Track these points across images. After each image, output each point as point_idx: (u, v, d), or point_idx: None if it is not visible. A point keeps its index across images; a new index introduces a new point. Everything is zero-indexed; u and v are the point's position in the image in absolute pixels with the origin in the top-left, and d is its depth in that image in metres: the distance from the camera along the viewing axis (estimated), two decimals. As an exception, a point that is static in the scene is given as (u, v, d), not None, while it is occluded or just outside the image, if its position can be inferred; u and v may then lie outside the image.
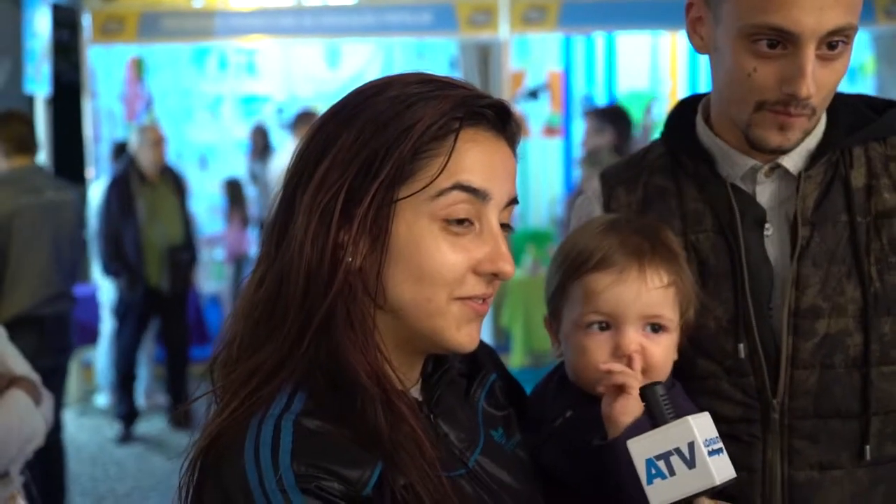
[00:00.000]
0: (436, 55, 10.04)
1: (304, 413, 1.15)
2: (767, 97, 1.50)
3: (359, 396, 1.15)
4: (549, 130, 10.23)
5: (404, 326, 1.22)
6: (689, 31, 1.62)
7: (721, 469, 1.19)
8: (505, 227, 1.25)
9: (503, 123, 1.25)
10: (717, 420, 1.44)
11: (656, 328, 1.51)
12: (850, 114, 1.64)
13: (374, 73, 10.02)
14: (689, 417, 1.20)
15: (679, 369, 1.60)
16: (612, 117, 6.29)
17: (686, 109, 1.73)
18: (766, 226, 1.62)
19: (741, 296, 1.59)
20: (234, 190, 9.21)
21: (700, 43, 1.61)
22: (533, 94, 9.97)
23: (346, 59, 10.31)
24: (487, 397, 1.40)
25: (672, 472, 1.19)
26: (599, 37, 10.07)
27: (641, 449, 1.22)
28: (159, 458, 6.49)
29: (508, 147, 1.26)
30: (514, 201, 1.26)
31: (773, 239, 1.62)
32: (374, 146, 1.17)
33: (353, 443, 1.14)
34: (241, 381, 1.19)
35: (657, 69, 10.54)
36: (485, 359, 1.45)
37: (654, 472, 1.20)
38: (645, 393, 1.27)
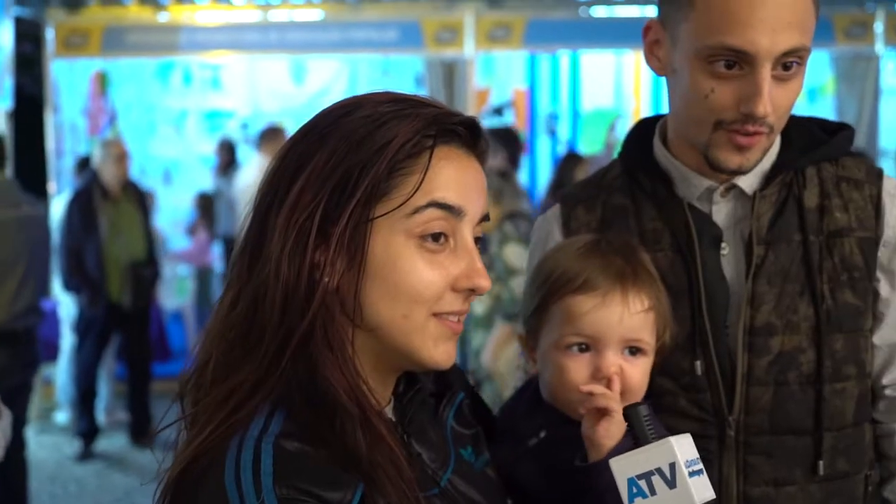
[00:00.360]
0: (401, 72, 10.07)
1: (283, 435, 1.15)
2: (725, 117, 1.53)
3: (338, 416, 1.15)
4: (514, 147, 10.28)
5: (381, 344, 1.22)
6: (647, 53, 1.65)
7: (701, 490, 1.21)
8: (476, 240, 1.26)
9: (474, 141, 1.26)
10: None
11: (634, 351, 1.52)
12: (803, 135, 1.67)
13: (339, 89, 10.06)
14: (671, 438, 1.22)
15: (636, 386, 1.62)
16: (505, 139, 6.04)
17: (644, 130, 1.76)
18: (723, 245, 1.64)
19: (698, 314, 1.62)
20: (205, 204, 9.17)
21: (658, 65, 1.64)
22: (498, 112, 10.02)
23: (311, 75, 10.32)
24: (456, 416, 1.41)
25: (653, 492, 1.21)
26: (564, 55, 10.15)
27: (623, 468, 1.23)
28: (120, 476, 6.43)
29: (479, 164, 1.28)
30: (485, 217, 1.27)
31: (728, 258, 1.64)
32: (348, 165, 1.17)
33: (333, 464, 1.14)
34: (217, 403, 1.18)
35: (621, 87, 10.64)
36: (452, 377, 1.46)
37: (635, 490, 1.22)
38: (628, 413, 1.28)
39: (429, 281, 1.20)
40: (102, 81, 9.39)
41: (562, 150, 10.02)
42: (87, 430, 6.85)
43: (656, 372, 1.62)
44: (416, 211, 1.18)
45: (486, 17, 8.52)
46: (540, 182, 10.00)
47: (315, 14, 8.64)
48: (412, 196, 1.18)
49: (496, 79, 10.21)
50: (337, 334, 1.18)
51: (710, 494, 1.22)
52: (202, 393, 1.21)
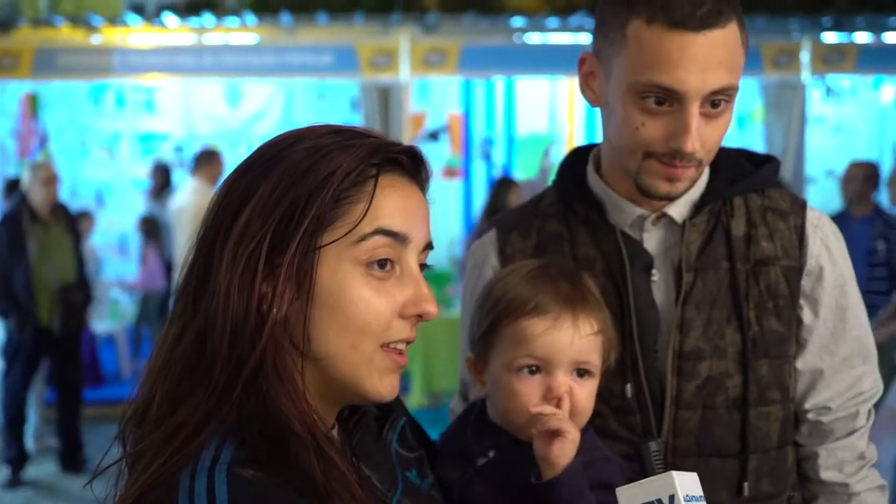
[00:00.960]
0: (337, 96, 10.09)
1: (237, 462, 1.14)
2: (655, 149, 1.58)
3: (291, 445, 1.15)
4: (449, 172, 10.35)
5: (327, 374, 1.23)
6: (582, 84, 1.69)
7: None
8: (422, 266, 1.28)
9: (416, 169, 1.28)
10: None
11: (582, 373, 1.56)
12: (731, 167, 1.72)
13: (274, 113, 10.05)
14: (674, 473, 1.26)
15: (567, 408, 1.66)
16: None
17: (578, 158, 1.80)
18: (653, 271, 1.69)
19: (629, 338, 1.66)
20: (149, 227, 9.06)
21: (592, 96, 1.68)
22: (433, 136, 10.09)
23: (246, 98, 10.29)
24: (399, 440, 1.43)
25: None
26: (499, 80, 10.24)
27: (628, 497, 1.28)
28: (49, 504, 6.33)
29: (421, 192, 1.30)
30: (429, 245, 1.29)
31: (659, 284, 1.69)
32: (294, 195, 1.18)
33: (289, 490, 1.14)
34: (164, 439, 1.17)
35: (555, 113, 10.76)
36: (394, 402, 1.48)
37: None
38: (639, 448, 1.36)
39: (377, 310, 1.21)
40: (33, 103, 9.28)
41: (497, 174, 10.10)
42: (15, 457, 6.71)
43: (589, 395, 1.66)
44: (363, 238, 1.20)
45: (422, 42, 8.59)
46: (475, 206, 10.06)
47: (250, 38, 8.63)
48: (359, 224, 1.20)
49: (431, 103, 10.27)
50: (286, 365, 1.18)
51: None
52: (146, 430, 1.20)
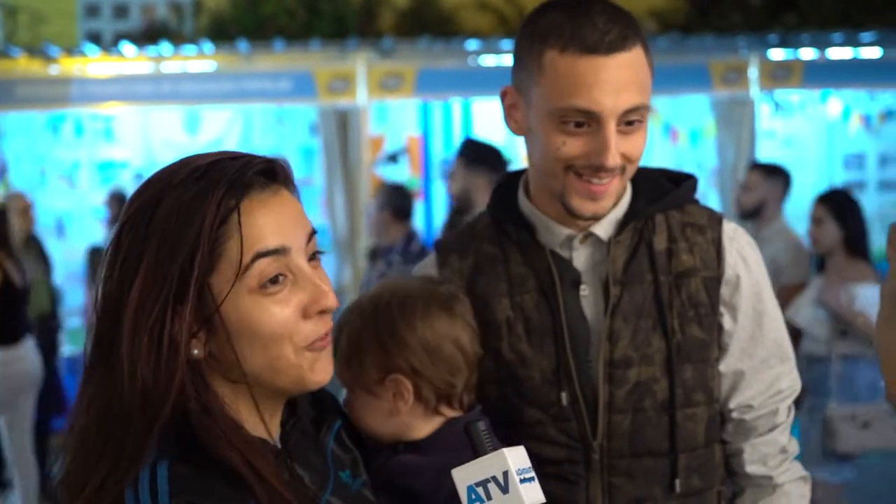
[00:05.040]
0: (295, 121, 10.15)
1: (176, 461, 1.26)
2: (575, 163, 1.70)
3: (233, 478, 1.26)
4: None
5: (266, 387, 1.35)
6: (506, 116, 1.82)
7: (531, 494, 1.33)
8: (315, 256, 1.38)
9: (273, 176, 1.37)
10: (545, 462, 1.63)
11: None
12: (651, 187, 1.85)
13: (233, 139, 10.09)
14: (505, 450, 1.34)
15: (508, 418, 1.77)
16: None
17: (510, 183, 1.92)
18: (582, 287, 1.80)
19: (562, 350, 1.77)
20: (98, 259, 9.04)
21: (515, 126, 1.81)
22: (393, 158, 10.17)
23: (205, 125, 10.31)
24: (335, 441, 1.54)
25: (489, 497, 1.33)
26: (456, 102, 10.36)
27: (464, 476, 1.35)
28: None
29: (286, 190, 1.39)
30: (313, 233, 1.38)
31: (588, 298, 1.80)
32: (177, 260, 1.27)
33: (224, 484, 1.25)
34: (88, 498, 1.27)
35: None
36: (330, 405, 1.59)
37: (473, 497, 1.34)
38: (468, 429, 1.40)
39: (281, 320, 1.31)
40: (-9, 134, 9.28)
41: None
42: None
43: (526, 404, 1.77)
44: (247, 269, 1.30)
45: (378, 66, 8.69)
46: (435, 226, 10.16)
47: (207, 65, 8.70)
48: (240, 259, 1.29)
49: (390, 126, 10.35)
50: (214, 402, 1.30)
51: (540, 498, 1.34)
52: (77, 491, 1.29)
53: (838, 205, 5.24)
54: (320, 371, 1.37)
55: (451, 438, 1.65)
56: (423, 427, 1.70)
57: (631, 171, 1.76)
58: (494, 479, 1.32)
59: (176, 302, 1.27)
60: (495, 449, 1.35)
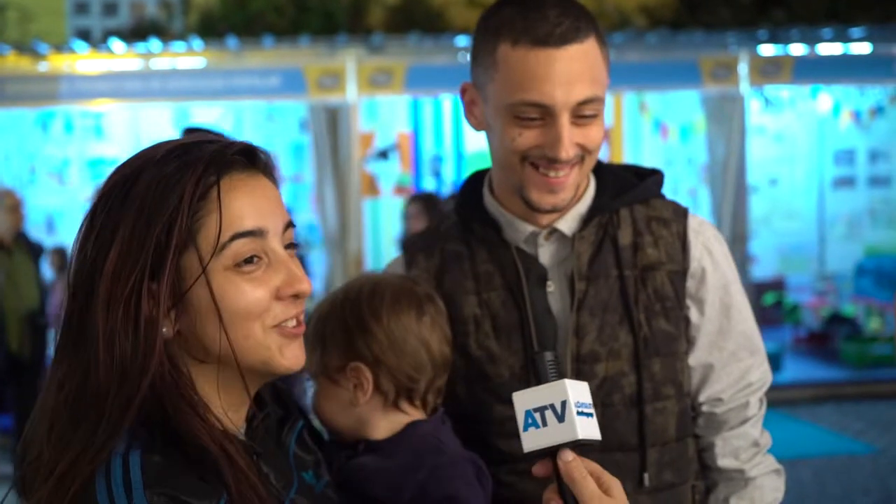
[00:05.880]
0: (285, 117, 10.17)
1: (148, 451, 1.24)
2: (531, 153, 1.70)
3: (204, 459, 1.25)
4: (400, 189, 10.45)
5: (233, 370, 1.33)
6: (466, 113, 1.82)
7: (586, 428, 1.34)
8: (291, 246, 1.38)
9: (253, 160, 1.37)
10: (516, 459, 1.62)
11: None
12: (615, 181, 1.85)
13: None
14: (567, 380, 1.35)
15: (478, 415, 1.77)
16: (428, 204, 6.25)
17: (475, 182, 1.92)
18: (548, 283, 1.80)
19: (529, 346, 1.77)
20: (61, 260, 9.01)
21: (475, 122, 1.81)
22: (383, 155, 10.18)
23: (195, 121, 10.32)
24: (297, 442, 1.53)
25: (545, 423, 1.34)
26: (446, 99, 10.37)
27: (524, 400, 1.37)
28: (4, 530, 6.29)
29: (266, 178, 1.39)
30: (290, 225, 1.38)
31: (554, 294, 1.80)
32: (153, 233, 1.26)
33: (198, 476, 1.24)
34: (58, 478, 1.23)
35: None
36: (292, 406, 1.59)
37: (530, 421, 1.35)
38: (535, 358, 1.41)
39: (253, 298, 1.31)
40: (-21, 131, 9.27)
41: (447, 190, 10.21)
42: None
43: (495, 400, 1.77)
44: (224, 248, 1.30)
45: (367, 63, 8.70)
46: (426, 223, 10.15)
47: (197, 62, 8.70)
48: (218, 237, 1.29)
49: (380, 122, 10.37)
50: (185, 381, 1.29)
51: (596, 434, 1.36)
52: (42, 472, 1.26)
53: None
54: (290, 357, 1.36)
55: (413, 442, 1.65)
56: (383, 424, 1.69)
57: (590, 161, 1.76)
58: (552, 406, 1.33)
59: (151, 276, 1.26)
60: (559, 378, 1.36)
